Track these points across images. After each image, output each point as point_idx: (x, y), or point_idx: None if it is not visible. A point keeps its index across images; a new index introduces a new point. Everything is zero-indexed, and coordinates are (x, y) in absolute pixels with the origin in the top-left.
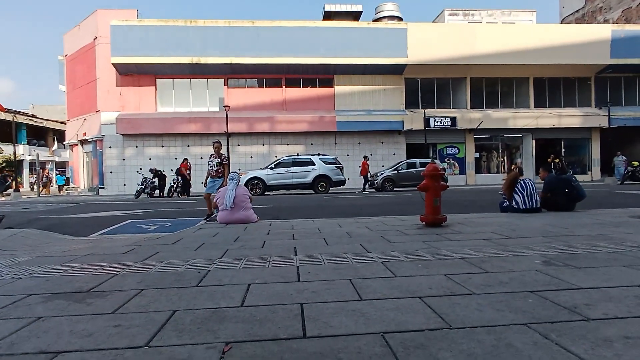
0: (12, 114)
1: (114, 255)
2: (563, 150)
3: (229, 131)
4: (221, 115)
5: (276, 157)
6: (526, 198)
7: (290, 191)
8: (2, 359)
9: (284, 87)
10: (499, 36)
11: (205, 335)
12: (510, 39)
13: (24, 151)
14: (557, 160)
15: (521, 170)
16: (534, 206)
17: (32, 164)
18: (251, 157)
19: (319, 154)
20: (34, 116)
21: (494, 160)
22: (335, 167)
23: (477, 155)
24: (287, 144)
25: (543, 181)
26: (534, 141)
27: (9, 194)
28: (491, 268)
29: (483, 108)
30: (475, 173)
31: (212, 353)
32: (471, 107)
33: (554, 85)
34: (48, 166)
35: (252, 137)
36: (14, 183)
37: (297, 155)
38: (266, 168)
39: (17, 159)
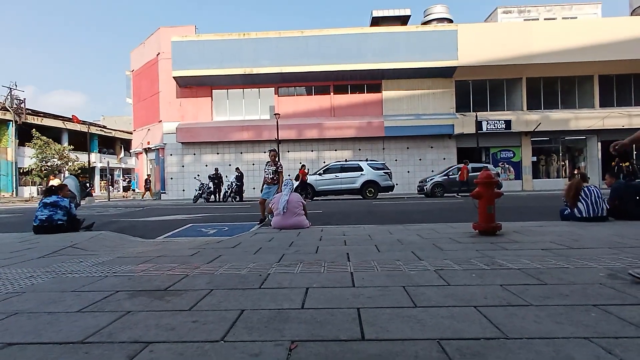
0: (87, 126)
1: (182, 257)
2: (635, 153)
3: (279, 138)
4: (272, 123)
5: (325, 162)
6: (590, 206)
7: (338, 197)
8: (105, 346)
9: (332, 94)
10: (558, 32)
11: (272, 333)
12: (572, 35)
13: (95, 159)
14: (626, 164)
15: (584, 176)
16: (599, 214)
17: (102, 170)
18: (300, 163)
19: (367, 160)
20: (104, 127)
21: (554, 164)
22: (384, 172)
23: (535, 159)
24: (335, 150)
25: (610, 188)
26: (599, 143)
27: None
28: (550, 279)
29: (541, 109)
30: (533, 178)
31: (280, 350)
32: (527, 109)
33: (623, 82)
34: (118, 171)
35: (302, 143)
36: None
37: (346, 160)
38: (315, 174)
39: (90, 166)
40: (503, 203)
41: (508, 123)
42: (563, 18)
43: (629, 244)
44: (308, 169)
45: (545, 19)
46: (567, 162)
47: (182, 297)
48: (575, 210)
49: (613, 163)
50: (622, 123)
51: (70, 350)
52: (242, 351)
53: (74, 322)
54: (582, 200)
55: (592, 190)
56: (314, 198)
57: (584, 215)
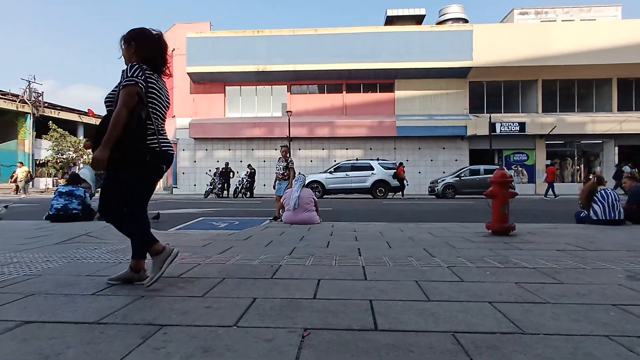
0: None
1: (194, 247)
2: None
3: (290, 135)
4: (284, 120)
5: (335, 161)
6: (607, 208)
7: (348, 195)
8: (119, 327)
9: (344, 92)
10: (576, 34)
11: (284, 320)
12: (590, 37)
13: None
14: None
15: (600, 179)
16: (616, 217)
17: None
18: (311, 161)
19: (378, 159)
20: None
21: (569, 169)
22: (395, 172)
23: (549, 162)
24: (347, 149)
25: (628, 191)
26: (616, 148)
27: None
28: (567, 279)
29: (556, 112)
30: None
31: (293, 337)
32: (543, 111)
33: None
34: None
35: (313, 141)
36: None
37: (356, 159)
38: (325, 172)
39: None
40: (516, 205)
41: (522, 125)
42: (581, 20)
43: None
44: (404, 168)
45: (562, 21)
46: (582, 166)
47: (195, 284)
48: (591, 212)
49: (617, 165)
50: None
51: (86, 329)
52: (255, 336)
53: (90, 304)
54: (599, 203)
55: (609, 193)
56: (324, 196)
57: (600, 218)
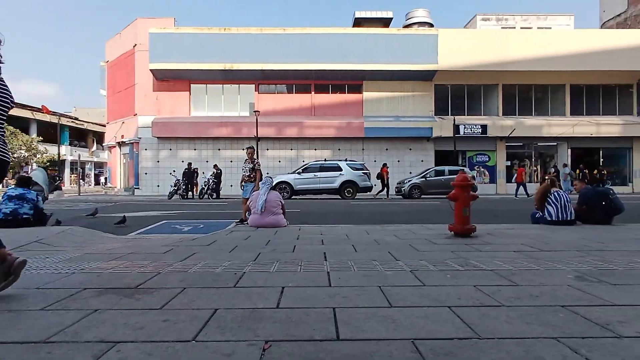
0: (57, 117)
1: (155, 254)
2: (601, 160)
3: (258, 135)
4: (251, 120)
5: (304, 161)
6: (559, 209)
7: (316, 196)
8: (69, 346)
9: (312, 92)
10: (533, 42)
11: (245, 333)
12: (546, 45)
13: (66, 151)
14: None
15: (553, 182)
16: (568, 218)
17: (73, 163)
18: (279, 161)
19: (346, 160)
20: (76, 119)
21: (527, 169)
22: (363, 173)
23: (509, 163)
24: (315, 149)
25: (578, 193)
26: (569, 150)
27: (52, 192)
28: (521, 281)
29: (516, 115)
30: (507, 182)
31: (254, 350)
32: (503, 114)
33: (593, 92)
34: (89, 165)
35: (281, 141)
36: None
37: (325, 160)
38: (294, 173)
39: (60, 159)
40: (478, 206)
41: (484, 128)
42: (538, 27)
43: (595, 247)
44: (387, 169)
45: (521, 28)
46: (539, 167)
47: (153, 295)
48: (546, 213)
49: (577, 171)
50: (590, 131)
51: (32, 349)
52: (215, 351)
53: (37, 321)
54: (552, 204)
55: (562, 195)
56: (292, 197)
57: (554, 219)
